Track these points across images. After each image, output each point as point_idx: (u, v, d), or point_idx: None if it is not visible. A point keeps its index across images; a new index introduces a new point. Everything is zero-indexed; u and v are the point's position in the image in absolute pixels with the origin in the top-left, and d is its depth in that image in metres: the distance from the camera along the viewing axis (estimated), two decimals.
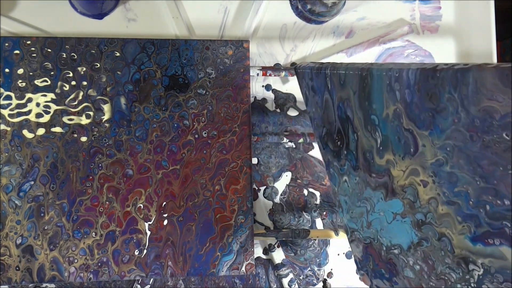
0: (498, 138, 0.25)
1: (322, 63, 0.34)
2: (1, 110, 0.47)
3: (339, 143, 0.35)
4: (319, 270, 0.54)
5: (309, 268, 0.54)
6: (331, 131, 0.35)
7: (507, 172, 0.25)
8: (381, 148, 0.33)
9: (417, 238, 0.34)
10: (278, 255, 0.54)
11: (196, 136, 0.49)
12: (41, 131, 0.47)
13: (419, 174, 0.32)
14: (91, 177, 0.48)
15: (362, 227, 0.37)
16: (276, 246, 0.54)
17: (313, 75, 0.35)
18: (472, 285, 0.31)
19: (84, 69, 0.48)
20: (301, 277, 0.54)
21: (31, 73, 0.47)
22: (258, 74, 0.51)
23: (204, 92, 0.50)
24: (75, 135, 0.48)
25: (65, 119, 0.48)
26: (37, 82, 0.48)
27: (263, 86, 0.55)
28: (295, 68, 0.37)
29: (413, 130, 0.30)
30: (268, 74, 0.51)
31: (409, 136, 0.31)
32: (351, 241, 0.40)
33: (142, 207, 0.48)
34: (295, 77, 0.54)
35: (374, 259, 0.38)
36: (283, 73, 0.51)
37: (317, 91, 0.35)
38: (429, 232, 0.33)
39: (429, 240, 0.33)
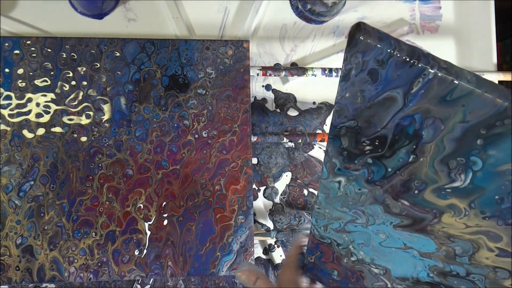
0: None
1: (423, 51, 0.23)
2: (1, 110, 0.47)
3: (367, 148, 0.27)
4: None
5: None
6: (361, 130, 0.27)
7: None
8: (450, 191, 0.26)
9: (431, 280, 0.29)
10: (278, 255, 0.54)
11: (196, 136, 0.49)
12: (41, 131, 0.47)
13: (499, 241, 0.26)
14: (91, 177, 0.48)
15: (326, 227, 0.33)
16: (276, 246, 0.54)
17: (389, 59, 0.23)
18: None
19: (84, 69, 0.48)
20: None
21: (31, 73, 0.47)
22: (258, 74, 0.51)
23: (204, 92, 0.50)
24: (75, 135, 0.48)
25: (65, 119, 0.48)
26: (37, 82, 0.48)
27: (263, 86, 0.55)
28: (358, 25, 0.23)
29: None
30: (268, 74, 0.51)
31: None
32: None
33: (142, 207, 0.48)
34: (295, 77, 0.54)
35: (322, 256, 0.36)
36: (283, 73, 0.51)
37: (379, 79, 0.24)
38: (462, 286, 0.28)
39: None
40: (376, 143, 0.27)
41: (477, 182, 0.25)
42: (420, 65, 0.23)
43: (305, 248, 0.38)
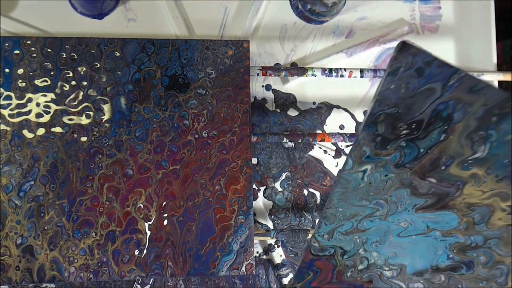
0: None
1: (457, 68, 0.33)
2: (1, 110, 0.47)
3: (405, 131, 0.33)
4: None
5: None
6: (400, 116, 0.33)
7: None
8: (472, 161, 0.33)
9: (451, 262, 0.32)
10: (278, 255, 0.54)
11: (196, 136, 0.49)
12: (41, 131, 0.47)
13: (508, 200, 0.33)
14: (91, 177, 0.48)
15: (331, 234, 0.33)
16: (276, 246, 0.54)
17: (434, 61, 0.33)
18: None
19: (84, 69, 0.48)
20: None
21: (31, 73, 0.47)
22: (258, 74, 0.51)
23: (204, 92, 0.50)
24: (75, 135, 0.48)
25: (65, 119, 0.48)
26: (37, 82, 0.48)
27: (263, 86, 0.55)
28: (403, 44, 0.33)
29: None
30: (268, 74, 0.51)
31: None
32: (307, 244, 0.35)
33: (142, 207, 0.48)
34: (295, 77, 0.54)
35: (315, 278, 0.32)
36: (283, 73, 0.51)
37: (424, 75, 0.32)
38: (480, 257, 0.32)
39: (474, 267, 0.32)
40: (413, 126, 0.33)
41: (492, 151, 0.33)
42: (455, 67, 0.33)
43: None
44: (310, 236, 0.51)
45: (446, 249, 0.33)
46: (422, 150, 0.33)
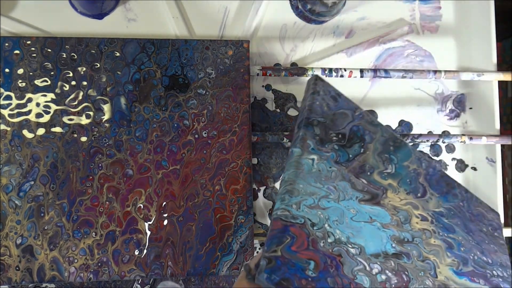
0: (485, 228, 0.45)
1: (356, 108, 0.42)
2: (1, 110, 0.47)
3: (335, 138, 0.40)
4: None
5: None
6: (329, 126, 0.40)
7: (490, 245, 0.43)
8: (386, 174, 0.41)
9: (395, 250, 0.38)
10: None
11: (196, 136, 0.49)
12: (41, 131, 0.47)
13: (418, 209, 0.41)
14: (91, 177, 0.48)
15: (298, 205, 0.35)
16: None
17: (340, 95, 0.42)
18: None
19: (84, 69, 0.48)
20: None
21: (31, 73, 0.47)
22: (258, 74, 0.51)
23: (204, 92, 0.50)
24: (75, 135, 0.48)
25: (65, 119, 0.48)
26: (37, 82, 0.48)
27: (263, 86, 0.55)
28: (316, 78, 0.42)
29: (426, 187, 0.43)
30: (268, 74, 0.51)
31: (421, 187, 0.42)
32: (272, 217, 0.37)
33: (142, 207, 0.48)
34: (295, 77, 0.54)
35: (293, 243, 0.33)
36: (283, 73, 0.51)
37: (338, 102, 0.42)
38: (413, 251, 0.39)
39: (411, 258, 0.38)
40: (340, 136, 0.40)
41: (397, 170, 0.42)
42: (355, 105, 0.42)
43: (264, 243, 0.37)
44: None
45: (389, 239, 0.38)
46: (351, 156, 0.40)
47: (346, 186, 0.39)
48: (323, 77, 0.46)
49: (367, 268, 0.35)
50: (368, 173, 0.40)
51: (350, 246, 0.36)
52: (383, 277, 0.35)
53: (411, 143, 0.57)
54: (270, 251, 0.31)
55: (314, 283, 0.31)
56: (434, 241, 0.40)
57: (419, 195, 0.42)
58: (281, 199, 0.35)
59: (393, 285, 0.35)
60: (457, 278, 0.39)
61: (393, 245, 0.38)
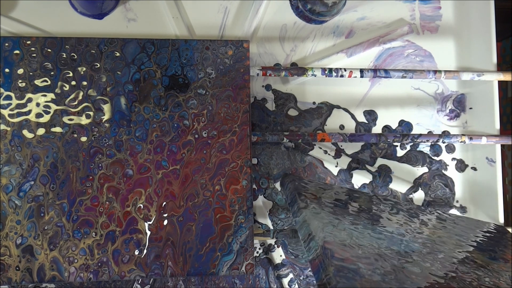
0: None
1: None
2: (1, 110, 0.47)
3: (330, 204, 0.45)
4: None
5: (309, 269, 0.54)
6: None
7: None
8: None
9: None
10: (278, 255, 0.54)
11: (196, 136, 0.49)
12: (41, 131, 0.47)
13: None
14: (91, 177, 0.48)
15: (320, 227, 0.39)
16: (276, 246, 0.54)
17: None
18: None
19: (84, 69, 0.48)
20: (301, 277, 0.54)
21: (31, 73, 0.47)
22: (258, 74, 0.51)
23: (204, 92, 0.50)
24: (75, 135, 0.48)
25: (65, 119, 0.48)
26: (37, 82, 0.48)
27: (263, 86, 0.55)
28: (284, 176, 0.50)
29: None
30: (268, 74, 0.51)
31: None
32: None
33: (142, 207, 0.48)
34: (295, 77, 0.54)
35: (327, 258, 0.35)
36: (283, 73, 0.51)
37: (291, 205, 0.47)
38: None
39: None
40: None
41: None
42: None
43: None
44: None
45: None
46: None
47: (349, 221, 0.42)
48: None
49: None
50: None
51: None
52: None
53: (411, 143, 0.57)
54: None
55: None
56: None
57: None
58: (306, 246, 0.39)
59: None
60: None
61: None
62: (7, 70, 0.47)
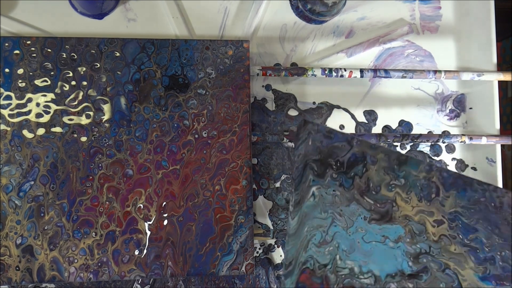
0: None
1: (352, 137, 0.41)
2: (1, 110, 0.47)
3: (334, 166, 0.40)
4: None
5: None
6: (325, 159, 0.41)
7: None
8: (394, 186, 0.40)
9: (411, 270, 0.38)
10: (278, 255, 0.54)
11: (196, 136, 0.49)
12: (41, 131, 0.47)
13: (432, 215, 0.40)
14: (91, 177, 0.48)
15: (303, 246, 0.37)
16: (276, 246, 0.54)
17: (333, 132, 0.41)
18: None
19: (84, 69, 0.48)
20: None
21: (31, 73, 0.47)
22: (258, 74, 0.51)
23: (204, 92, 0.50)
24: (75, 135, 0.48)
25: (65, 119, 0.48)
26: (37, 82, 0.48)
27: (263, 86, 0.55)
28: (305, 122, 0.41)
29: (441, 189, 0.39)
30: (268, 74, 0.51)
31: (434, 187, 0.40)
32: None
33: (142, 207, 0.48)
34: (295, 77, 0.54)
35: None
36: (283, 73, 0.51)
37: (331, 138, 0.41)
38: (430, 263, 0.38)
39: (429, 270, 0.38)
40: (338, 164, 0.40)
41: (406, 180, 0.40)
42: (350, 135, 0.40)
43: None
44: None
45: (403, 256, 0.38)
46: (350, 180, 0.40)
47: (353, 208, 0.39)
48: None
49: None
50: (374, 192, 0.40)
51: (362, 277, 0.37)
52: None
53: (411, 143, 0.57)
54: None
55: None
56: (455, 248, 0.39)
57: (433, 196, 0.40)
58: (297, 240, 0.38)
59: None
60: (482, 284, 0.38)
61: (409, 263, 0.38)
62: (7, 70, 0.47)
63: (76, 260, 0.47)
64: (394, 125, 0.57)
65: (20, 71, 0.47)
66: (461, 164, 0.59)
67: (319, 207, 0.39)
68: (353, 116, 0.57)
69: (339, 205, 0.39)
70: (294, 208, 0.40)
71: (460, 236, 0.39)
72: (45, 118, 0.47)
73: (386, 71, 0.53)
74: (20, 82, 0.47)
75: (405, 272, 0.37)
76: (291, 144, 0.55)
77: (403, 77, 0.53)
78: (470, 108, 0.59)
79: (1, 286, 0.46)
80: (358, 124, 0.57)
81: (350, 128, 0.56)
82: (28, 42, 0.47)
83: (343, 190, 0.40)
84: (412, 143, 0.57)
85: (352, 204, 0.39)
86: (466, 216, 0.39)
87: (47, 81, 0.48)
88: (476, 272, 0.38)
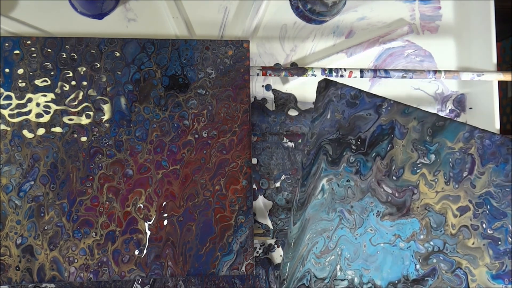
0: None
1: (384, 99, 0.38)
2: (1, 110, 0.47)
3: (354, 146, 0.37)
4: None
5: None
6: (345, 136, 0.38)
7: None
8: (421, 165, 0.37)
9: (417, 274, 0.36)
10: (278, 255, 0.54)
11: (196, 136, 0.49)
12: (41, 131, 0.47)
13: (457, 201, 0.36)
14: (91, 177, 0.48)
15: (302, 258, 0.36)
16: (276, 246, 0.54)
17: (360, 94, 0.38)
18: None
19: (84, 69, 0.48)
20: None
21: (31, 73, 0.47)
22: (258, 74, 0.51)
23: (204, 92, 0.50)
24: (75, 135, 0.48)
25: (65, 119, 0.48)
26: (37, 82, 0.48)
27: (263, 86, 0.55)
28: (326, 83, 0.38)
29: (477, 163, 0.36)
30: (268, 74, 0.51)
31: (469, 161, 0.36)
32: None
33: (142, 207, 0.48)
34: (295, 77, 0.54)
35: None
36: (283, 73, 0.51)
37: (355, 105, 0.38)
38: (440, 264, 0.36)
39: (437, 273, 0.35)
40: (359, 142, 0.37)
41: (436, 157, 0.37)
42: (382, 97, 0.38)
43: None
44: None
45: (412, 259, 0.36)
46: (370, 163, 0.38)
47: (366, 202, 0.37)
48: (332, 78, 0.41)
49: None
50: (394, 177, 0.37)
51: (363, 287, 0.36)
52: None
53: None
54: None
55: None
56: (473, 242, 0.36)
57: (464, 174, 0.36)
58: (296, 250, 0.37)
59: None
60: (493, 283, 0.35)
61: (417, 266, 0.36)
62: (7, 70, 0.47)
63: (76, 260, 0.47)
64: None
65: (20, 71, 0.47)
66: None
67: (327, 206, 0.37)
68: None
69: (351, 200, 0.37)
70: (297, 211, 0.38)
71: (484, 224, 0.36)
72: (45, 118, 0.47)
73: (386, 71, 0.53)
74: (20, 82, 0.47)
75: (410, 277, 0.36)
76: (291, 144, 0.55)
77: (403, 77, 0.53)
78: (470, 108, 0.59)
79: (1, 286, 0.46)
80: None
81: None
82: (28, 42, 0.47)
83: (358, 178, 0.37)
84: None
85: (366, 197, 0.37)
86: (498, 198, 0.35)
87: (47, 81, 0.48)
88: (489, 270, 0.35)
